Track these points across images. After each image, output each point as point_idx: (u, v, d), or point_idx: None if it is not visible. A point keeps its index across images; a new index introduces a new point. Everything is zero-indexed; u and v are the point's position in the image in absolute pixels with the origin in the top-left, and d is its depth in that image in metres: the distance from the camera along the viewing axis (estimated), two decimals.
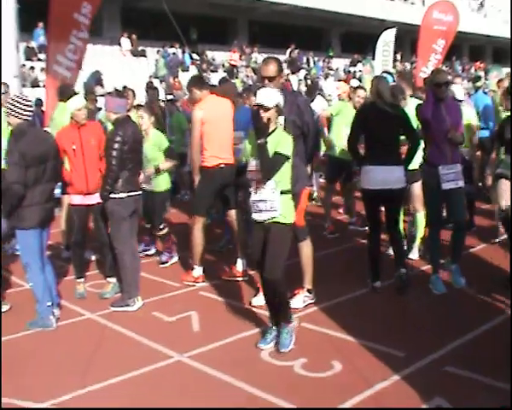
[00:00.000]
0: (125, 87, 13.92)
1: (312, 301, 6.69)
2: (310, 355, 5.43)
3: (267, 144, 5.31)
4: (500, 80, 12.16)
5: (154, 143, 8.07)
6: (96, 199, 6.96)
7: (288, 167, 5.45)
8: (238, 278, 7.57)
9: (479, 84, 13.81)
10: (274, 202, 5.35)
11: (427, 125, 6.91)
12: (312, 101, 13.33)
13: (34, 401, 4.78)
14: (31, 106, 6.23)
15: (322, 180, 11.97)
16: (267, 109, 5.33)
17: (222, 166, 7.43)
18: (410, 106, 7.73)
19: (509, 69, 29.35)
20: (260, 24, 39.37)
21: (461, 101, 8.63)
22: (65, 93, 8.80)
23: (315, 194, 12.58)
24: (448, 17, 14.86)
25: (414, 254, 8.26)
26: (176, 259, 8.54)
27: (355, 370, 5.17)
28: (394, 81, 11.15)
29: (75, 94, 7.76)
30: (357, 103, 9.13)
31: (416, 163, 7.43)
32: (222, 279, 7.62)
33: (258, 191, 5.41)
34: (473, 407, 4.50)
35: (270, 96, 5.38)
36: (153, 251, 8.80)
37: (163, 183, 8.33)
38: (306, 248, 6.61)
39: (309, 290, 6.71)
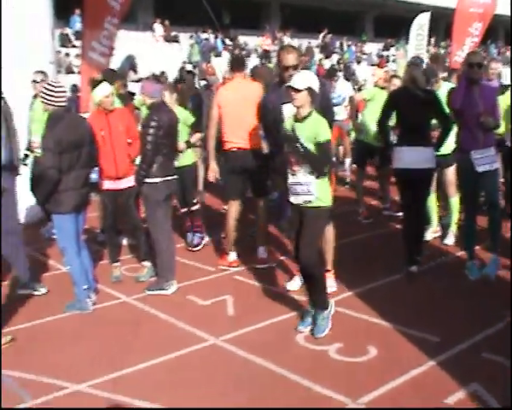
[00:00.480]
0: (162, 72, 13.95)
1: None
2: (345, 340, 5.43)
3: (306, 148, 5.28)
4: None
5: (180, 120, 8.08)
6: (125, 183, 7.04)
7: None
8: (258, 266, 7.54)
9: None
10: (310, 186, 5.34)
11: (458, 111, 6.83)
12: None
13: (71, 382, 4.86)
14: (64, 92, 6.27)
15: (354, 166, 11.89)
16: (297, 91, 5.30)
17: (233, 149, 7.38)
18: (443, 89, 7.66)
19: None
20: (293, 8, 39.18)
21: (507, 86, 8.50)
22: (112, 77, 8.91)
23: (348, 179, 12.54)
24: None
25: (449, 240, 8.19)
26: (206, 239, 8.57)
27: (390, 355, 5.16)
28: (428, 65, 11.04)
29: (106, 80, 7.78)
30: None
31: (448, 148, 7.40)
32: (255, 264, 7.62)
33: (294, 174, 5.41)
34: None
35: (302, 79, 5.36)
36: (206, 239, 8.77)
37: (189, 157, 8.37)
38: (328, 233, 6.51)
39: None
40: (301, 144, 5.26)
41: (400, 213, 9.49)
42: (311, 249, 5.41)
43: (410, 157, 6.85)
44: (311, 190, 5.35)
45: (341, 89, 12.58)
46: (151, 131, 6.54)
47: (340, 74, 13.62)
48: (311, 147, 5.30)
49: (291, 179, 5.45)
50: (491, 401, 4.38)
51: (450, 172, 7.90)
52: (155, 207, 6.67)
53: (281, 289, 6.78)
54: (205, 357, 5.30)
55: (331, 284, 6.53)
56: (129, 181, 7.02)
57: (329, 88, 7.64)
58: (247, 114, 7.19)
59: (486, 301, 6.25)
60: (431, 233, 8.35)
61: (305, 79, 5.33)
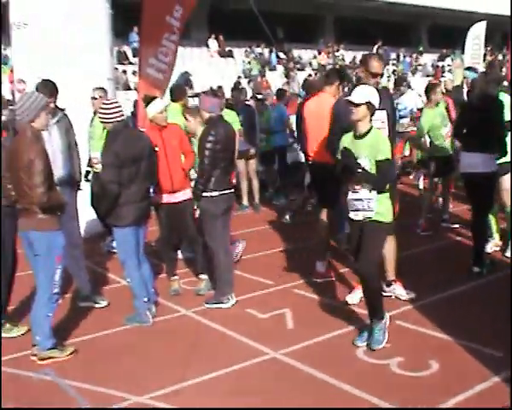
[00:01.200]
0: (219, 87, 14.02)
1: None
2: (406, 354, 5.36)
3: (366, 172, 5.26)
4: None
5: None
6: (181, 196, 7.11)
7: None
8: (316, 279, 7.48)
9: None
10: (370, 202, 5.32)
11: None
12: (401, 94, 13.16)
13: (132, 394, 4.91)
14: (119, 108, 6.35)
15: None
16: (356, 105, 5.27)
17: (310, 161, 7.62)
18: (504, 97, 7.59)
19: None
20: (346, 21, 39.11)
21: None
22: (177, 93, 9.08)
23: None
24: None
25: (509, 252, 8.00)
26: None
27: (453, 370, 5.07)
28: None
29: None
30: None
31: (507, 157, 7.37)
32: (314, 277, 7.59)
33: (355, 190, 5.38)
34: None
35: (361, 93, 5.33)
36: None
37: None
38: (388, 244, 6.43)
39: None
40: (358, 164, 5.22)
41: (457, 225, 9.40)
42: (371, 264, 5.38)
43: (468, 161, 7.25)
44: (372, 206, 5.32)
45: (408, 100, 12.45)
46: (208, 145, 6.58)
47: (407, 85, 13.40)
48: (371, 164, 5.27)
49: (351, 196, 5.43)
50: None
51: (506, 181, 7.75)
52: (213, 220, 6.71)
53: (340, 302, 6.73)
54: (265, 370, 5.29)
55: (401, 292, 6.61)
56: (184, 194, 7.09)
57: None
58: (320, 128, 7.12)
59: None
60: (492, 245, 8.17)
61: (364, 94, 5.31)
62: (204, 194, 6.65)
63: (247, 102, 12.98)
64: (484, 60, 25.77)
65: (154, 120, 7.00)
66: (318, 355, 5.47)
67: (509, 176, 7.58)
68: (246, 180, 12.00)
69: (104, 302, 6.96)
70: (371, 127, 5.35)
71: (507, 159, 7.41)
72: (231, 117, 10.36)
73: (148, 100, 7.21)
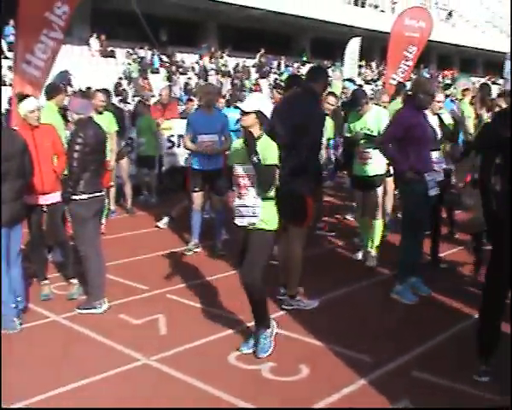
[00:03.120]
0: (89, 88, 13.76)
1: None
2: (277, 360, 5.42)
3: (260, 163, 5.27)
4: (466, 89, 12.28)
5: None
6: (51, 199, 6.94)
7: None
8: None
9: (448, 92, 13.97)
10: (256, 209, 5.35)
11: None
12: None
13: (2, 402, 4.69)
14: None
15: None
16: (246, 113, 5.34)
17: None
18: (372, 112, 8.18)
19: (476, 78, 29.71)
20: (231, 28, 39.42)
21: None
22: (52, 91, 8.78)
23: None
24: (420, 24, 14.94)
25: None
26: None
27: (322, 374, 5.19)
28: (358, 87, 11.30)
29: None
30: (327, 110, 9.19)
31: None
32: (189, 283, 7.58)
33: (241, 197, 5.42)
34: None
35: (251, 102, 5.42)
36: None
37: None
38: (294, 255, 6.67)
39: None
40: (257, 157, 5.26)
41: (333, 233, 9.70)
42: (255, 273, 5.39)
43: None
44: (257, 212, 5.36)
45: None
46: (77, 147, 6.43)
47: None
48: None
49: (237, 202, 5.46)
50: None
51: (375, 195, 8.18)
52: (83, 224, 6.55)
53: (214, 308, 6.74)
54: (136, 377, 5.21)
55: (306, 303, 6.74)
56: (55, 197, 6.90)
57: None
58: None
59: (418, 321, 6.36)
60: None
61: (253, 103, 5.40)
62: (73, 197, 6.49)
63: (114, 104, 12.85)
64: (359, 73, 26.74)
65: (26, 119, 6.77)
66: (191, 361, 5.44)
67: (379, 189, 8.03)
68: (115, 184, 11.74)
69: None
70: (262, 134, 5.41)
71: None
72: (108, 119, 10.18)
73: (21, 97, 6.97)
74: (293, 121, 6.36)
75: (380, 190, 8.24)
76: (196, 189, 8.87)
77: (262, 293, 5.55)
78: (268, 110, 5.50)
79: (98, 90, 10.55)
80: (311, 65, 31.18)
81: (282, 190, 5.61)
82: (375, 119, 8.03)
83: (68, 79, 22.94)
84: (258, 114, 5.34)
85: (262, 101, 5.55)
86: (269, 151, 5.35)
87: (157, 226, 10.57)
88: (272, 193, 5.46)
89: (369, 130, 7.93)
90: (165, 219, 10.62)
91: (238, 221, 5.48)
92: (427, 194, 6.84)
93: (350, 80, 12.85)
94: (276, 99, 9.65)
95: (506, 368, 4.81)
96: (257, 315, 5.63)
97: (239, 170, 5.43)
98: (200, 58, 34.70)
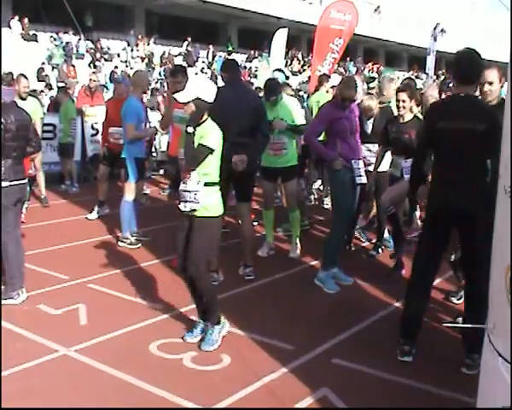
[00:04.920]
0: (9, 73, 13.45)
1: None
2: (199, 349, 5.41)
3: (193, 134, 5.26)
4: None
5: None
6: None
7: (214, 160, 5.39)
8: None
9: (372, 85, 14.17)
10: (197, 194, 5.31)
11: None
12: None
13: None
14: None
15: None
16: (185, 104, 5.32)
17: None
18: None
19: (401, 73, 30.35)
20: (158, 15, 39.06)
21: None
22: None
23: None
24: (347, 16, 15.08)
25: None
26: None
27: (244, 363, 5.20)
28: (287, 79, 11.38)
29: None
30: None
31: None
32: (111, 272, 7.49)
33: (185, 182, 5.37)
34: (358, 397, 4.62)
35: (187, 91, 5.35)
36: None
37: None
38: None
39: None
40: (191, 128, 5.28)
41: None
42: (198, 262, 5.35)
43: None
44: (198, 198, 5.31)
45: None
46: None
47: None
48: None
49: (181, 186, 5.41)
50: (339, 404, 4.52)
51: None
52: (4, 212, 6.36)
53: (134, 296, 6.68)
54: (56, 368, 5.09)
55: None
56: None
57: None
58: None
59: (340, 310, 6.48)
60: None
61: (189, 92, 5.33)
62: None
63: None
64: (286, 65, 26.87)
65: None
66: (112, 351, 5.37)
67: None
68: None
69: None
70: (206, 119, 5.39)
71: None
72: (33, 105, 9.95)
73: None
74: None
75: (295, 181, 8.38)
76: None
77: (207, 284, 5.51)
78: (208, 92, 5.38)
79: (22, 75, 10.27)
80: (237, 55, 31.03)
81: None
82: (288, 108, 8.10)
83: None
84: (198, 101, 5.30)
85: (198, 87, 5.43)
86: (208, 134, 5.31)
87: (87, 218, 10.36)
88: (216, 179, 5.42)
89: (282, 119, 7.95)
90: (95, 209, 10.44)
91: (181, 206, 5.42)
92: (354, 181, 6.96)
93: (280, 70, 12.86)
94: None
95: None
96: (204, 308, 5.59)
97: (182, 154, 5.42)
98: (128, 45, 34.20)
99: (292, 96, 9.53)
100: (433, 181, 5.14)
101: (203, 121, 5.38)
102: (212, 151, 5.32)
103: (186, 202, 5.38)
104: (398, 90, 7.30)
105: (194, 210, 5.35)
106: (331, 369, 5.10)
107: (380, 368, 5.06)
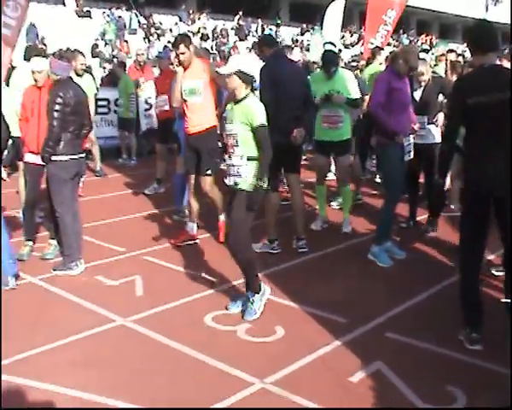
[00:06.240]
0: (68, 49, 13.60)
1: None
2: (253, 321, 5.46)
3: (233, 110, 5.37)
4: (441, 55, 12.26)
5: None
6: None
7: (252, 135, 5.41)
8: (190, 242, 7.60)
9: (425, 57, 13.92)
10: (240, 168, 5.37)
11: None
12: None
13: None
14: None
15: None
16: (227, 76, 5.37)
17: None
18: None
19: (454, 45, 29.76)
20: None
21: None
22: (31, 53, 8.71)
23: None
24: None
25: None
26: None
27: (298, 335, 5.23)
28: (339, 52, 11.25)
29: (37, 55, 7.70)
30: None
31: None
32: (167, 245, 7.60)
33: (230, 156, 5.47)
34: (411, 371, 4.61)
35: (230, 64, 5.42)
36: None
37: None
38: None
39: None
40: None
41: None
42: (237, 234, 5.43)
43: None
44: (242, 172, 5.37)
45: None
46: (57, 107, 6.37)
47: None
48: (243, 129, 5.33)
49: (227, 161, 5.52)
50: (393, 377, 4.51)
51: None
52: (62, 185, 6.52)
53: (191, 269, 6.76)
54: (112, 338, 5.22)
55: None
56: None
57: None
58: None
59: (392, 283, 6.44)
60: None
61: (232, 64, 5.40)
62: (53, 158, 6.43)
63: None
64: (342, 37, 26.58)
65: (35, 78, 6.89)
66: (167, 322, 5.47)
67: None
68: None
69: None
70: (247, 94, 5.39)
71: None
72: (87, 81, 10.08)
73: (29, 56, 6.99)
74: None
75: (349, 156, 8.32)
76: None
77: (246, 253, 5.53)
78: (252, 68, 5.43)
79: (79, 52, 10.40)
80: (287, 28, 30.75)
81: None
82: (344, 81, 7.98)
83: (36, 34, 22.63)
84: (239, 74, 5.32)
85: (242, 61, 5.48)
86: (254, 111, 5.33)
87: (143, 193, 10.43)
88: (256, 153, 5.40)
89: (338, 93, 7.85)
90: (153, 185, 10.52)
91: (227, 181, 5.53)
92: (403, 158, 6.89)
93: (331, 43, 12.72)
94: None
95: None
96: (245, 276, 5.68)
97: (228, 129, 5.49)
98: (181, 20, 34.22)
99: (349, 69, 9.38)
100: (471, 157, 4.99)
101: (245, 97, 5.40)
102: (264, 127, 5.34)
103: (230, 175, 5.46)
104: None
105: (237, 183, 5.41)
106: (385, 342, 5.09)
107: (433, 342, 5.03)
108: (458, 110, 4.98)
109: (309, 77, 8.17)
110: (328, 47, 11.44)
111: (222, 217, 7.54)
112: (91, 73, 10.72)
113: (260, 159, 5.34)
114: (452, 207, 8.69)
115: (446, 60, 10.67)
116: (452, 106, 5.29)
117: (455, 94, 5.15)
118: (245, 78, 5.35)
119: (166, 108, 9.30)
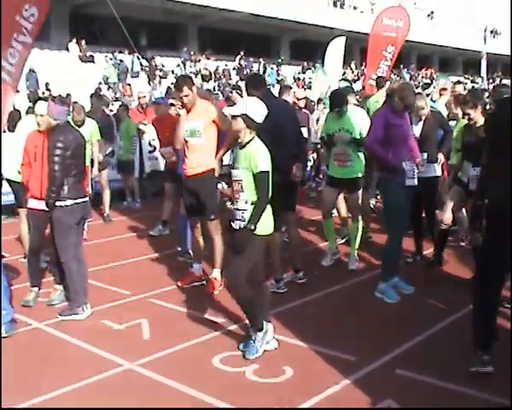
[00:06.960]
0: (68, 94, 13.75)
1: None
2: (262, 361, 5.41)
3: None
4: (443, 89, 12.30)
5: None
6: None
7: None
8: (196, 283, 7.58)
9: (428, 91, 14.01)
10: (245, 213, 5.40)
11: None
12: None
13: None
14: None
15: None
16: (233, 117, 5.41)
17: None
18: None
19: (455, 78, 29.96)
20: (210, 31, 39.43)
21: None
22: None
23: None
24: (398, 23, 14.99)
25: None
26: None
27: (307, 375, 5.18)
28: (351, 87, 11.32)
29: (40, 99, 7.79)
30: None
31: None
32: (172, 287, 7.57)
33: (235, 201, 5.51)
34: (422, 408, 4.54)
35: (239, 105, 5.47)
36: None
37: None
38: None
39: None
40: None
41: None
42: (238, 272, 5.41)
43: None
44: (246, 217, 5.39)
45: None
46: (58, 151, 6.40)
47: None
48: (246, 175, 5.37)
49: (234, 205, 5.56)
50: None
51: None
52: (68, 230, 6.52)
53: (197, 311, 6.72)
54: (120, 382, 5.17)
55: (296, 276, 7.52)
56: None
57: None
58: None
59: (402, 319, 6.39)
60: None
61: (240, 106, 5.43)
62: (57, 203, 6.45)
63: (105, 111, 12.82)
64: (343, 74, 26.75)
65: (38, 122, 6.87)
66: (175, 365, 5.42)
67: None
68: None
69: None
70: (251, 139, 5.42)
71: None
72: (89, 128, 10.11)
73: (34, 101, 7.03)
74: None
75: (358, 193, 8.31)
76: None
77: (246, 295, 5.51)
78: (259, 113, 5.43)
79: (75, 103, 10.45)
80: (288, 66, 31.02)
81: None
82: (354, 120, 8.00)
83: (36, 80, 22.88)
84: (245, 117, 5.35)
85: (250, 105, 5.47)
86: (256, 157, 5.34)
87: (150, 235, 10.40)
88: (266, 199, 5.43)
89: (347, 131, 7.90)
90: (158, 227, 10.46)
91: (234, 225, 5.53)
92: (404, 184, 6.84)
93: (345, 80, 12.87)
94: (235, 100, 9.95)
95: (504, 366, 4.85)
96: (247, 316, 5.66)
97: (233, 175, 5.52)
98: (182, 62, 34.58)
99: (357, 105, 9.29)
100: (495, 175, 4.91)
101: (249, 141, 5.43)
102: (264, 173, 5.35)
103: (236, 220, 5.49)
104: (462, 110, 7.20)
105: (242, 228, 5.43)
106: (395, 380, 5.03)
107: (444, 378, 4.96)
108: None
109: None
110: (343, 83, 11.52)
111: (216, 271, 7.47)
112: (94, 118, 10.73)
113: (255, 203, 5.36)
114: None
115: (453, 91, 10.65)
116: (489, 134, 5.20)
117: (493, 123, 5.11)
118: (250, 123, 5.38)
119: (174, 158, 9.09)
